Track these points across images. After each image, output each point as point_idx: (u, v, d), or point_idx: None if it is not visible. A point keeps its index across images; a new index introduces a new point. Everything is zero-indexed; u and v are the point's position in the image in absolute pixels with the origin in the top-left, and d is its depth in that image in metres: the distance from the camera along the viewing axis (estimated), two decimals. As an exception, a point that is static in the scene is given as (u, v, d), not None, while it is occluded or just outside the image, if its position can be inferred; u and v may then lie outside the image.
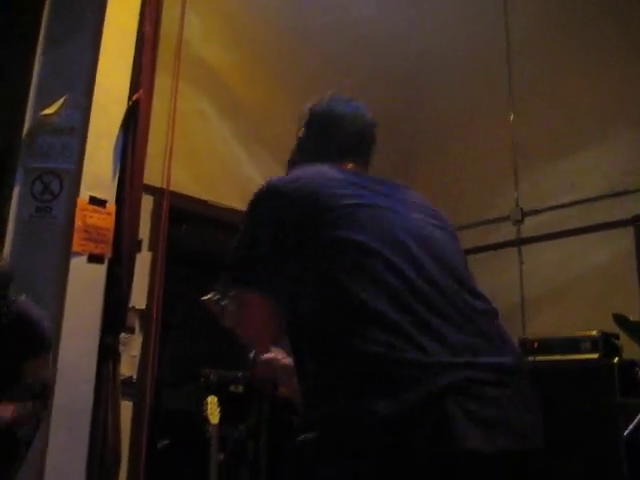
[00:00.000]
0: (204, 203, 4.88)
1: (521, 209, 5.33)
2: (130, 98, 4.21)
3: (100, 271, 4.00)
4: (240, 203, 5.71)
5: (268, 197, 1.56)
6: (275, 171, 5.84)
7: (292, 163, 1.78)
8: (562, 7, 5.21)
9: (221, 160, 5.06)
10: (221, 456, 4.16)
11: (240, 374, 5.38)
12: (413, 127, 6.15)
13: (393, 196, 1.59)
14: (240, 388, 5.27)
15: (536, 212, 5.25)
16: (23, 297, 2.86)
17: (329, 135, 1.74)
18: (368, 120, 1.81)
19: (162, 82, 4.61)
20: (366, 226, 1.42)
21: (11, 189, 3.94)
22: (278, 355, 1.78)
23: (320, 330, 1.37)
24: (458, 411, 1.20)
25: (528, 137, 5.36)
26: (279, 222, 1.49)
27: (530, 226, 5.29)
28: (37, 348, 2.75)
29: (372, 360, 1.26)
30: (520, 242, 5.30)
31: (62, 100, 4.01)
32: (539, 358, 4.13)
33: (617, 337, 4.17)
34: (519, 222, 5.33)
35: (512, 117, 5.40)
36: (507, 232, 5.41)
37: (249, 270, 1.54)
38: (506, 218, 5.42)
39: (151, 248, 4.56)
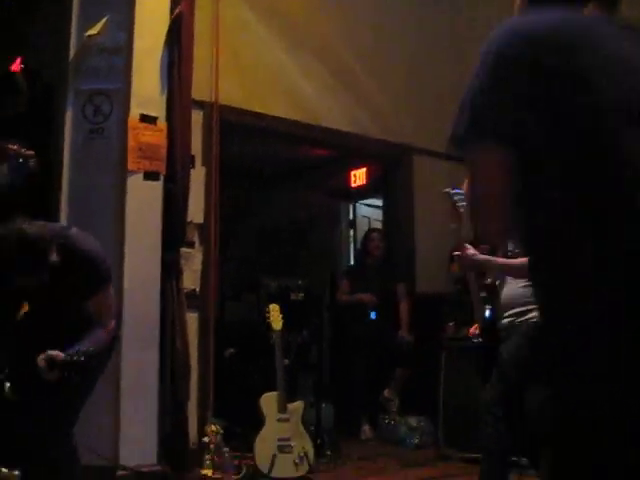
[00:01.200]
0: (254, 114, 4.86)
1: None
2: (172, 13, 4.15)
3: (156, 188, 4.06)
4: (289, 112, 5.66)
5: (512, 40, 1.25)
6: (323, 77, 5.73)
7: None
8: None
9: (268, 69, 5.00)
10: (286, 361, 4.30)
11: (300, 282, 5.49)
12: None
13: None
14: (300, 295, 5.38)
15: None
16: (73, 230, 2.80)
17: None
18: None
19: (203, -7, 4.52)
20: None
21: (64, 114, 3.98)
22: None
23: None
24: None
25: None
26: (529, 70, 1.20)
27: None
28: (96, 283, 2.73)
29: None
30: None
31: (104, 20, 3.99)
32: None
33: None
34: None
35: None
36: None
37: (488, 119, 1.23)
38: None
39: (204, 163, 4.59)
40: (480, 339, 3.44)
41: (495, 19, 1.32)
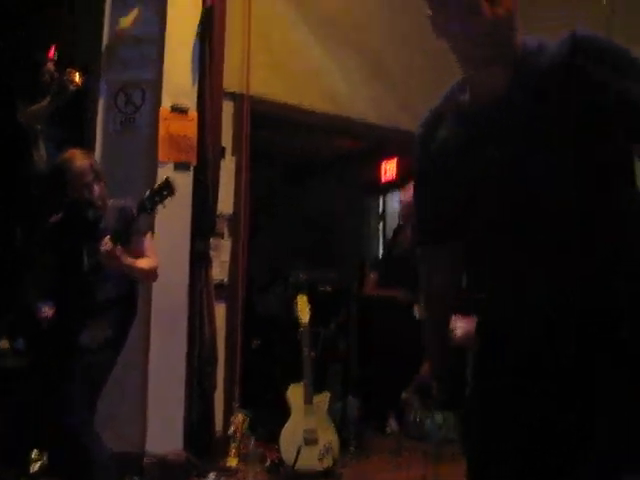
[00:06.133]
0: (285, 106, 4.85)
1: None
2: (204, 3, 4.16)
3: (187, 179, 4.08)
4: (320, 104, 5.61)
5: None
6: (354, 69, 5.59)
7: None
8: None
9: (300, 61, 4.96)
10: (313, 353, 4.30)
11: (328, 274, 5.48)
12: None
13: None
14: (329, 287, 5.37)
15: None
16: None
17: None
18: None
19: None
20: None
21: (96, 103, 4.02)
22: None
23: None
24: None
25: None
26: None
27: None
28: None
29: None
30: None
31: (136, 11, 4.02)
32: None
33: None
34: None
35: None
36: None
37: (427, 231, 1.58)
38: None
39: (235, 154, 4.60)
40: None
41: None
